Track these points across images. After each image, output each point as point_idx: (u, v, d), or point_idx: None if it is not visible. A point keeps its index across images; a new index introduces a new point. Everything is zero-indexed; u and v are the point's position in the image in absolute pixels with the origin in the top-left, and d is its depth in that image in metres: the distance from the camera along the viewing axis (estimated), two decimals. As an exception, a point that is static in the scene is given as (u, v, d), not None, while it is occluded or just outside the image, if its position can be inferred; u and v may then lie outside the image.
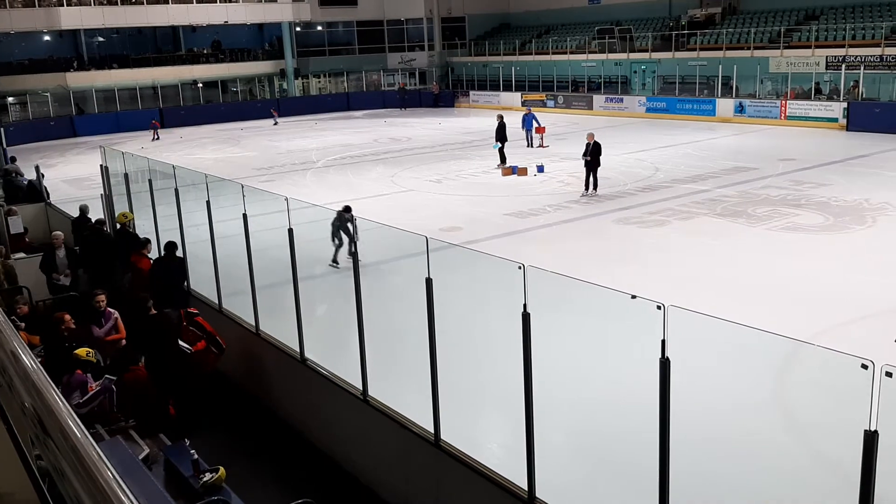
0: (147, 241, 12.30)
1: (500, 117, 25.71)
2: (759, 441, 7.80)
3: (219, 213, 11.08)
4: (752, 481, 7.09)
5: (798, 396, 8.74)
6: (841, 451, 6.98)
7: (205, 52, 49.70)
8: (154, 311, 9.64)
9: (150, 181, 13.60)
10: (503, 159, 24.84)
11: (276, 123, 41.97)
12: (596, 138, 19.82)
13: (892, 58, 30.36)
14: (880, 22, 32.41)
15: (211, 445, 8.21)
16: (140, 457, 7.26)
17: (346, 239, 13.67)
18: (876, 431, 3.89)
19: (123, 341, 9.84)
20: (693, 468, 6.49)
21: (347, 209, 13.19)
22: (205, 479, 6.61)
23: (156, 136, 37.91)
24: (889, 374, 3.67)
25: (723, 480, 7.09)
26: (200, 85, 46.30)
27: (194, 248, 12.10)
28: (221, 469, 6.72)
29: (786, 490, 7.00)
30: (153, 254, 12.22)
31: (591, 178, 19.50)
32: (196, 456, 6.87)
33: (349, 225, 12.80)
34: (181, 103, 45.30)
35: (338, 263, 13.64)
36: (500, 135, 25.05)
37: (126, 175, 15.29)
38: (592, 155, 19.39)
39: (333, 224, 13.54)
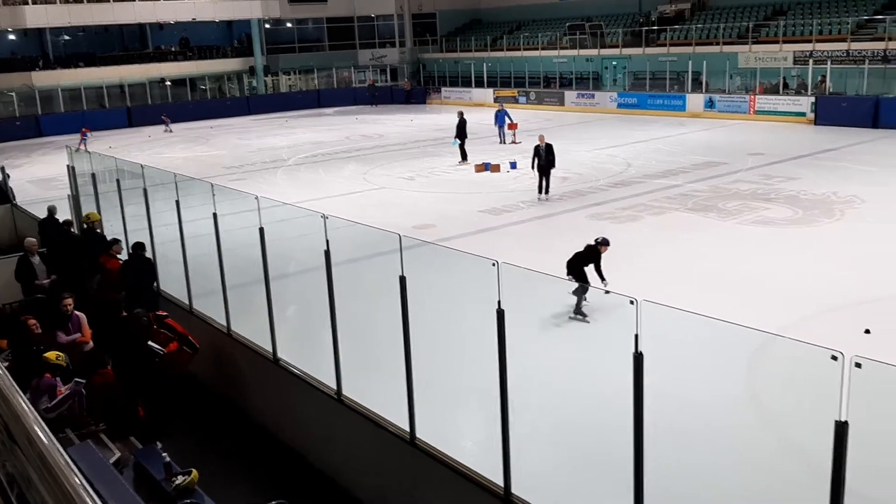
0: (115, 241, 12.12)
1: (461, 114, 25.72)
2: (731, 432, 7.87)
3: (188, 213, 10.94)
4: (724, 472, 7.15)
5: (770, 388, 8.83)
6: (812, 442, 7.06)
7: (173, 49, 49.18)
8: (124, 313, 9.51)
9: (117, 181, 13.41)
10: (464, 156, 24.88)
11: (168, 131, 39.17)
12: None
13: (858, 52, 30.80)
14: (846, 17, 32.88)
15: (183, 448, 8.11)
16: (111, 461, 7.15)
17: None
18: (846, 422, 3.93)
19: (90, 344, 9.68)
20: (667, 460, 6.53)
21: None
22: (177, 481, 6.52)
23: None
24: (858, 365, 3.70)
25: (696, 471, 7.14)
26: (169, 83, 45.78)
27: (164, 248, 11.95)
28: (194, 471, 6.63)
29: (758, 481, 7.06)
30: (122, 254, 12.05)
31: (545, 182, 18.99)
32: (168, 458, 6.77)
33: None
34: (149, 102, 44.74)
35: None
36: (460, 131, 25.05)
37: (93, 175, 15.07)
38: (546, 157, 18.87)
39: None
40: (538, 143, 18.97)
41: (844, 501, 4.08)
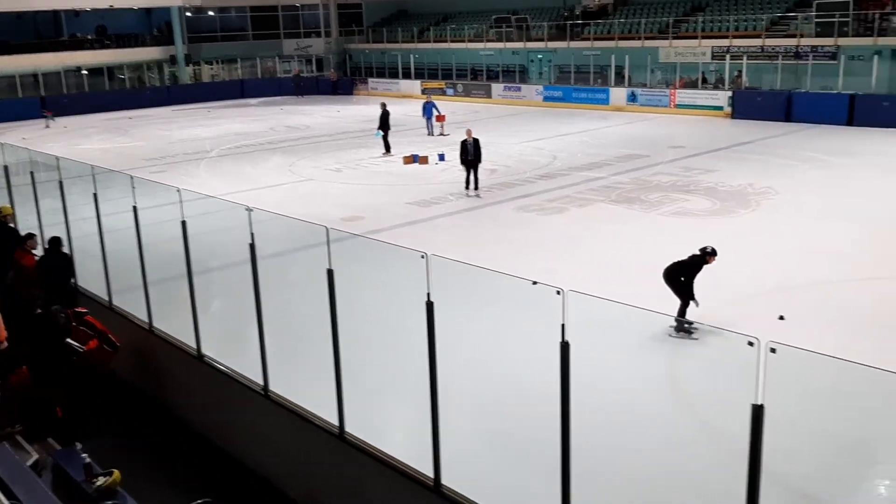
0: (30, 235, 11.66)
1: (384, 105, 25.63)
2: (654, 417, 8.08)
3: (107, 206, 10.61)
4: (648, 455, 7.34)
5: (690, 373, 9.10)
6: (730, 425, 7.31)
7: (89, 37, 47.41)
8: (40, 311, 9.16)
9: (31, 173, 12.90)
10: (387, 148, 24.84)
11: (48, 126, 36.63)
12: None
13: (772, 49, 31.93)
14: (761, 14, 34.02)
15: (104, 448, 7.87)
16: (28, 463, 6.91)
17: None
18: (762, 405, 4.08)
19: (5, 343, 9.30)
20: (593, 445, 6.67)
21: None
22: (98, 482, 6.34)
23: (48, 126, 35.54)
24: (773, 350, 3.84)
25: (620, 455, 7.30)
26: (85, 72, 44.16)
27: (81, 242, 11.56)
28: (116, 472, 6.46)
29: (680, 463, 7.27)
30: (37, 250, 11.59)
31: (473, 177, 18.73)
32: (88, 459, 6.57)
33: None
34: (65, 91, 43.09)
35: None
36: (384, 123, 24.98)
37: (6, 167, 14.47)
38: (473, 152, 18.55)
39: None
40: (465, 137, 18.75)
41: (761, 481, 4.24)
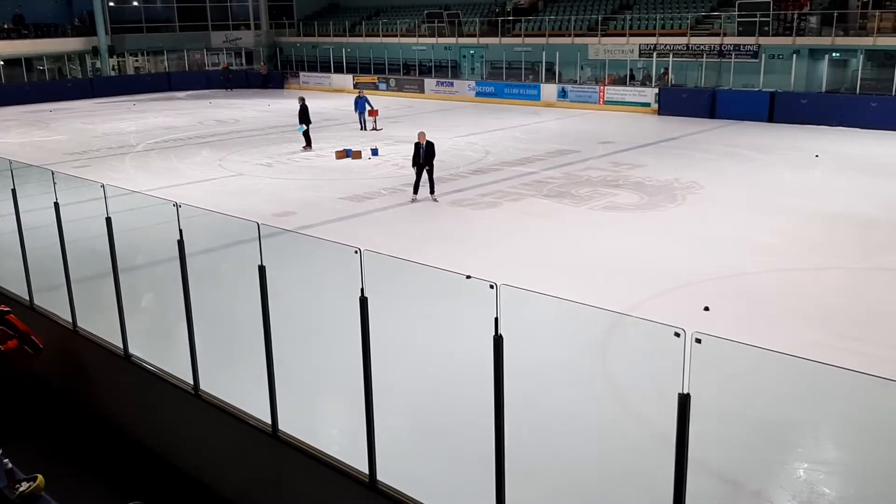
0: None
1: (302, 100, 25.40)
2: (586, 408, 8.24)
3: (27, 203, 10.21)
4: (579, 446, 7.48)
5: (620, 364, 9.29)
6: (658, 415, 7.51)
7: (5, 26, 45.51)
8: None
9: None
10: (308, 142, 24.64)
11: None
12: (428, 137, 17.72)
13: (697, 46, 32.78)
14: (686, 13, 34.90)
15: (27, 453, 7.60)
16: (-57, 471, 6.61)
17: None
18: (688, 394, 4.19)
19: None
20: (527, 438, 6.75)
21: None
22: (21, 488, 6.12)
23: None
24: (699, 341, 3.95)
25: (553, 447, 7.42)
26: (1, 63, 42.40)
27: (-1, 240, 11.12)
28: (40, 477, 6.25)
29: (611, 452, 7.44)
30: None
31: (429, 181, 17.57)
32: (10, 465, 6.34)
33: None
34: (-21, 82, 41.37)
35: None
36: (304, 117, 24.76)
37: (-85, 162, 13.79)
38: (426, 158, 17.39)
39: None
40: (418, 140, 17.51)
41: (688, 469, 4.36)
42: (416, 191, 17.61)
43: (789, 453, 7.65)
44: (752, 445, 7.59)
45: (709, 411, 5.71)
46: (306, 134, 24.77)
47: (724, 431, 7.46)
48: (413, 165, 17.65)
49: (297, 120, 25.20)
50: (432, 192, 17.60)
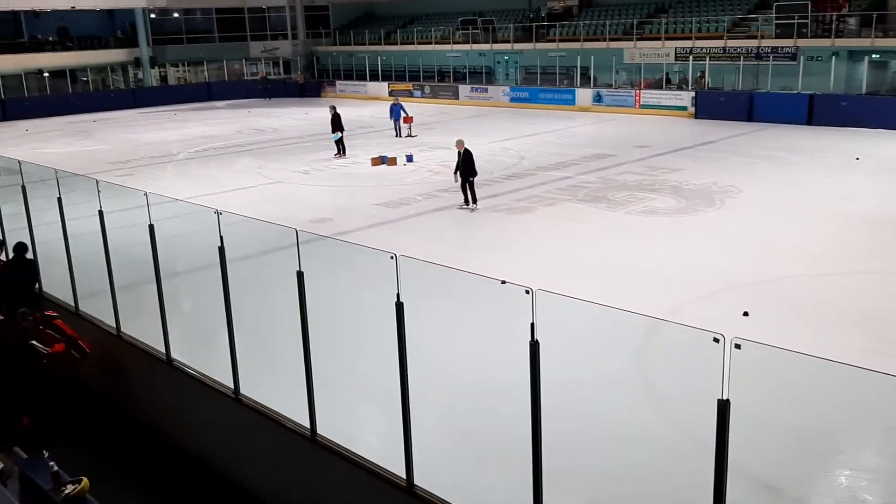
0: (1, 243, 11.48)
1: (333, 108, 25.59)
2: (623, 414, 8.18)
3: (72, 211, 10.47)
4: (617, 453, 7.43)
5: (658, 370, 9.22)
6: (697, 421, 7.43)
7: (50, 39, 46.64)
8: (1, 317, 9.02)
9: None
10: (340, 150, 24.79)
11: None
12: (467, 145, 17.35)
13: (734, 49, 32.41)
14: (723, 16, 34.54)
15: (73, 456, 7.78)
16: (-8, 473, 6.79)
17: None
18: (728, 400, 4.16)
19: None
20: (563, 443, 6.73)
21: None
22: (66, 490, 6.27)
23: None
24: (738, 346, 3.93)
25: (591, 453, 7.39)
26: (47, 74, 43.43)
27: (46, 248, 11.39)
28: (84, 480, 6.39)
29: (649, 459, 7.38)
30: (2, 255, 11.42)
31: (470, 191, 17.16)
32: (56, 468, 6.49)
33: None
34: (26, 94, 42.35)
35: None
36: (337, 125, 24.93)
37: (-35, 172, 14.21)
38: (464, 166, 17.02)
39: None
40: (456, 148, 17.26)
41: (728, 475, 4.32)
42: (465, 201, 17.23)
43: (831, 460, 7.52)
44: (793, 452, 7.48)
45: (749, 417, 5.65)
46: (340, 142, 24.98)
47: (765, 438, 7.37)
48: (455, 175, 17.33)
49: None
50: (469, 201, 17.15)
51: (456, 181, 17.30)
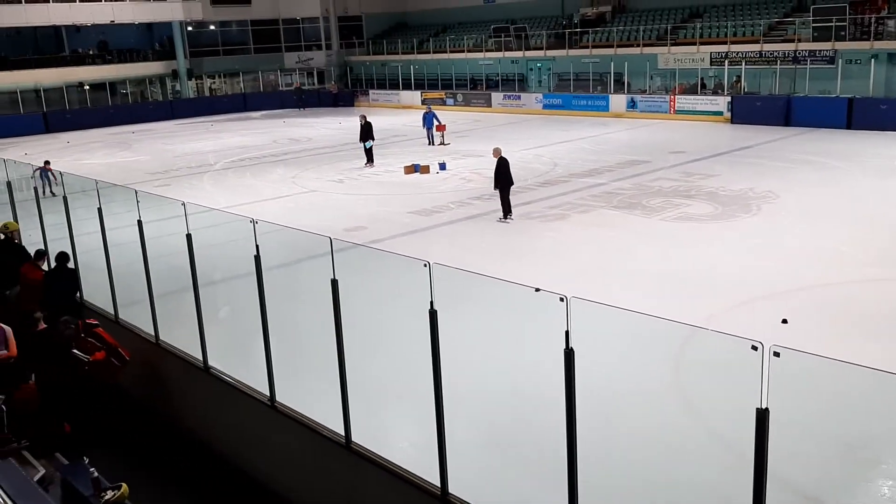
0: (42, 252, 11.74)
1: (364, 117, 25.72)
2: (659, 423, 8.09)
3: (112, 221, 10.67)
4: (653, 461, 7.35)
5: (694, 378, 9.11)
6: (735, 429, 7.33)
7: (90, 53, 47.64)
8: (44, 325, 9.21)
9: (35, 189, 12.98)
10: (370, 159, 24.91)
11: (45, 194, 32.90)
12: (503, 153, 16.97)
13: (771, 53, 32.01)
14: (759, 20, 34.13)
15: (112, 462, 7.91)
16: (35, 478, 6.95)
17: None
18: (767, 409, 4.10)
19: (12, 359, 9.35)
20: (598, 452, 6.68)
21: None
22: (106, 496, 6.38)
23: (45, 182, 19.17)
24: (777, 354, 3.87)
25: (626, 463, 7.32)
26: (87, 87, 44.36)
27: (86, 257, 11.62)
28: (124, 486, 6.50)
29: (686, 468, 7.29)
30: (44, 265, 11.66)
31: (502, 202, 16.67)
32: (96, 474, 6.60)
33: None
34: (67, 107, 43.28)
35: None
36: (367, 135, 25.06)
37: (9, 183, 14.55)
38: (496, 175, 16.57)
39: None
40: (494, 157, 16.83)
41: (767, 486, 4.26)
42: (506, 213, 16.63)
43: (873, 470, 7.36)
44: (833, 462, 7.34)
45: (788, 426, 5.55)
46: (370, 151, 25.09)
47: (805, 447, 7.24)
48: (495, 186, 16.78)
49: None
50: (508, 213, 16.60)
51: (495, 190, 16.86)
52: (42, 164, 19.71)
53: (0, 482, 5.00)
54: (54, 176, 18.30)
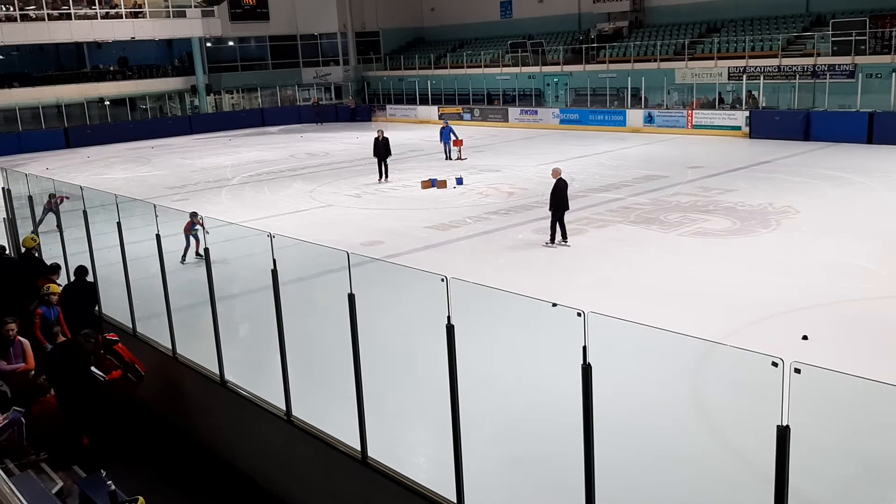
0: (57, 266, 11.82)
1: (381, 132, 25.78)
2: (678, 440, 8.02)
3: (131, 235, 10.75)
4: (672, 479, 7.27)
5: (713, 395, 9.02)
6: (755, 447, 7.24)
7: (111, 69, 48.24)
8: (62, 339, 9.27)
9: (56, 203, 13.11)
10: (382, 174, 24.97)
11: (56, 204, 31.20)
12: (562, 175, 16.05)
13: (789, 68, 31.87)
14: (777, 34, 34.01)
15: (129, 475, 7.93)
16: (53, 491, 6.98)
17: (193, 241, 14.50)
18: (788, 426, 4.05)
19: (32, 372, 9.41)
20: (617, 469, 6.62)
21: (194, 214, 14.44)
22: (123, 510, 6.39)
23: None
24: (798, 371, 3.82)
25: (645, 480, 7.24)
26: (107, 103, 44.89)
27: (105, 271, 11.70)
28: (141, 499, 6.51)
29: (705, 486, 7.20)
30: (62, 279, 11.75)
31: (559, 226, 15.70)
32: (113, 487, 6.63)
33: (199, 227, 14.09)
34: (87, 122, 43.79)
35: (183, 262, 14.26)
36: (386, 150, 25.11)
37: (30, 197, 14.70)
38: (553, 196, 15.70)
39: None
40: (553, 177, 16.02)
41: (788, 503, 4.20)
42: (552, 239, 15.74)
43: (895, 489, 7.25)
44: (855, 481, 7.22)
45: (809, 444, 5.49)
46: (384, 167, 25.11)
47: (826, 466, 7.14)
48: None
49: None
50: (562, 237, 15.70)
51: (549, 211, 15.88)
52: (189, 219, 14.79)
53: (19, 494, 5.03)
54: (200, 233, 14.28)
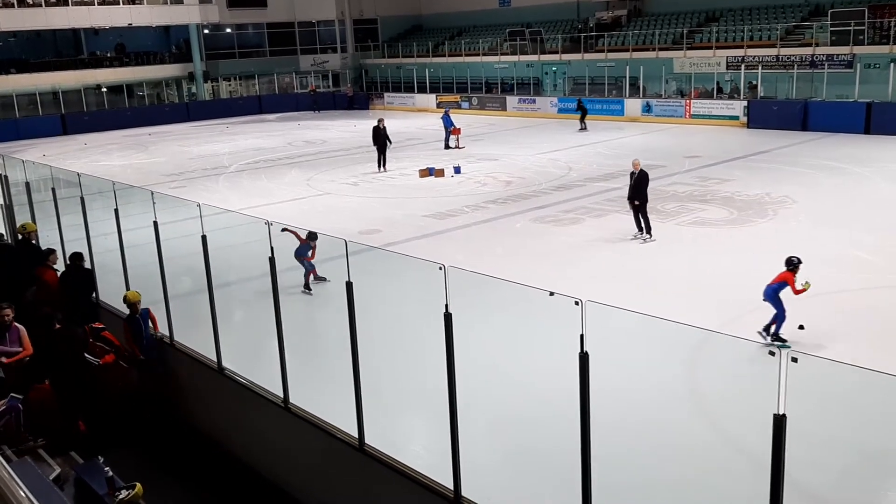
0: (51, 251, 11.79)
1: (381, 121, 25.63)
2: (674, 429, 8.04)
3: (128, 222, 10.73)
4: (668, 467, 7.30)
5: (710, 383, 9.05)
6: (752, 436, 7.27)
7: (108, 55, 48.00)
8: (59, 326, 9.27)
9: (53, 190, 13.07)
10: (382, 163, 24.88)
11: None
12: (642, 166, 15.31)
13: (788, 58, 31.81)
14: (776, 24, 33.92)
15: (127, 461, 7.95)
16: (50, 477, 6.99)
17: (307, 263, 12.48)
18: (784, 415, 4.06)
19: (27, 358, 9.41)
20: (613, 457, 6.65)
21: (313, 236, 12.07)
22: (120, 496, 6.42)
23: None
24: (794, 360, 3.83)
25: (641, 468, 7.27)
26: (105, 90, 44.70)
27: (102, 258, 11.69)
28: (138, 485, 6.53)
29: (701, 474, 7.23)
30: (58, 265, 11.73)
31: (642, 218, 15.08)
32: (111, 473, 6.65)
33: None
34: (84, 109, 43.62)
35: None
36: (386, 140, 25.04)
37: (27, 184, 14.66)
38: (635, 188, 15.06)
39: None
40: (633, 168, 15.29)
41: (784, 492, 4.22)
42: (639, 229, 15.11)
43: (893, 479, 7.28)
44: (852, 470, 7.26)
45: (805, 433, 5.51)
46: (382, 156, 25.02)
47: (823, 455, 7.17)
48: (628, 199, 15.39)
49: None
50: (646, 230, 15.02)
51: (631, 203, 15.25)
52: None
53: (17, 480, 5.04)
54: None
